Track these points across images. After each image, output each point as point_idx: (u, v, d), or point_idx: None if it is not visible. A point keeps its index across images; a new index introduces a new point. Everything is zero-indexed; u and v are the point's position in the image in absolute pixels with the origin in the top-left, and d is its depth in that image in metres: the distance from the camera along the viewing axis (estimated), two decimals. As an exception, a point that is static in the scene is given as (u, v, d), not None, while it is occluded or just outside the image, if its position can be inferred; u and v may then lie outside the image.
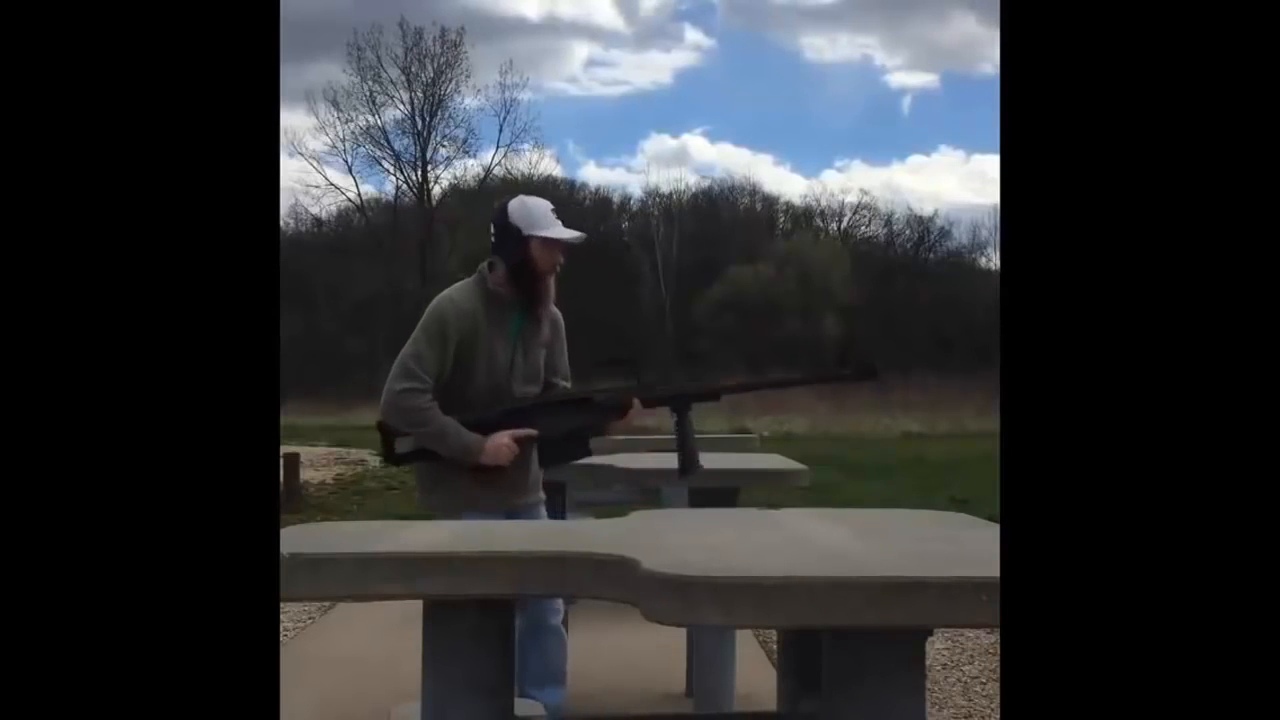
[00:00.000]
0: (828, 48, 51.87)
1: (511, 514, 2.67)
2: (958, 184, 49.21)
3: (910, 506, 2.28)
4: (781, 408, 20.49)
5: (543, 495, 2.87)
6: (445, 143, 34.16)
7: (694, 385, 2.79)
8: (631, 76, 55.16)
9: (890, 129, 50.68)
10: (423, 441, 2.63)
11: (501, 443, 2.62)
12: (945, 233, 37.22)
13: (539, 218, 2.70)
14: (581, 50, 55.63)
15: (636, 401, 2.63)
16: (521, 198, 2.77)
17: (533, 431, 2.65)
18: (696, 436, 2.75)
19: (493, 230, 2.74)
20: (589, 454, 2.79)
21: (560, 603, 2.73)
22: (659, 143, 54.58)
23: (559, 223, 2.73)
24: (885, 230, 37.58)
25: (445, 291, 2.72)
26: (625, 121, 51.46)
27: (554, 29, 48.77)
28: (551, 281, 2.75)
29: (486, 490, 2.66)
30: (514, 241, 2.69)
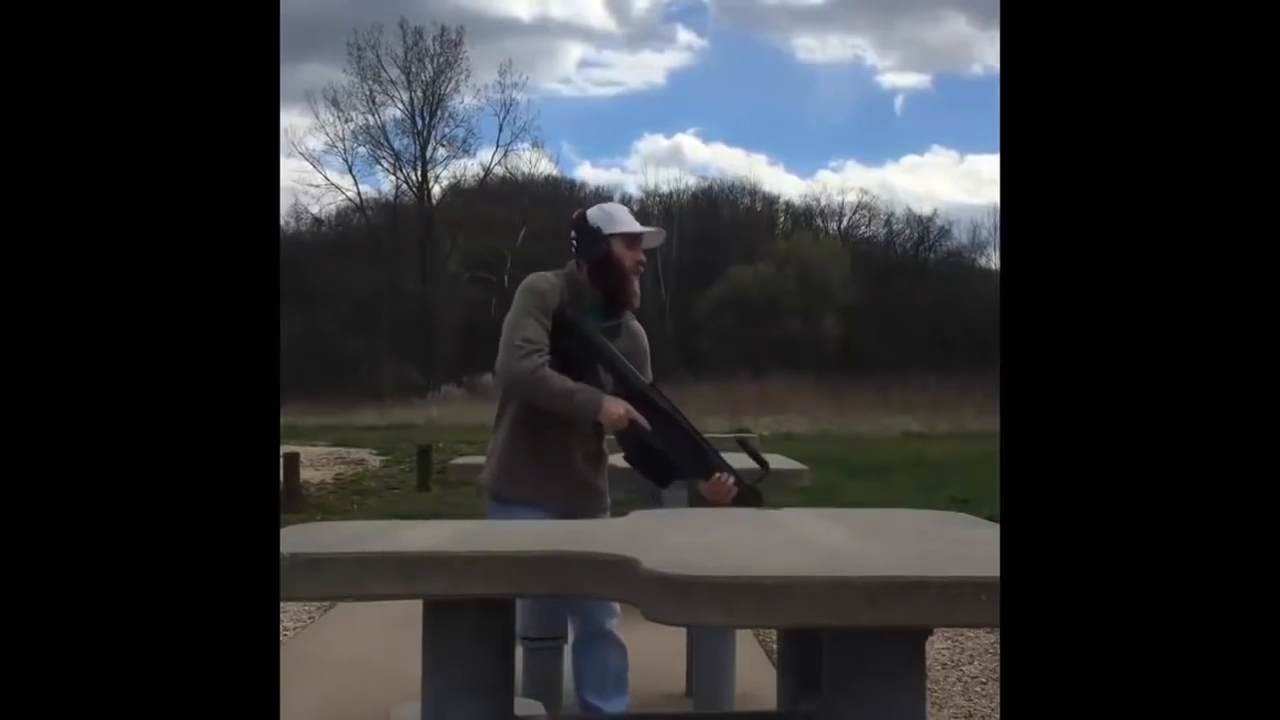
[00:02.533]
0: (819, 48, 51.98)
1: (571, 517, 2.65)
2: (951, 184, 49.27)
3: (910, 506, 2.28)
4: (781, 407, 20.50)
5: (608, 502, 2.86)
6: (444, 142, 34.20)
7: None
8: (624, 77, 55.25)
9: (883, 129, 50.74)
10: (548, 404, 2.61)
11: (619, 410, 2.59)
12: (945, 232, 37.25)
13: (619, 218, 2.78)
14: (574, 51, 55.71)
15: (735, 489, 2.60)
16: (601, 204, 2.86)
17: (644, 423, 2.60)
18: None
19: (573, 235, 2.80)
20: (663, 486, 2.80)
21: (617, 607, 2.70)
22: (652, 143, 54.69)
23: (637, 223, 2.80)
24: (885, 230, 37.61)
25: (535, 273, 2.77)
26: (619, 122, 51.54)
27: (546, 30, 48.86)
28: (635, 285, 2.79)
29: (551, 492, 2.67)
30: (596, 242, 2.74)
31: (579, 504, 2.70)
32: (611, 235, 2.73)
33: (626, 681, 2.76)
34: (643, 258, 2.80)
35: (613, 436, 2.71)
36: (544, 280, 2.71)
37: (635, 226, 2.77)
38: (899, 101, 51.88)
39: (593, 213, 2.80)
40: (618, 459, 2.75)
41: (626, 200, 37.09)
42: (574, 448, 2.73)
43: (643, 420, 2.60)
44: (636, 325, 2.85)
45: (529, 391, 2.62)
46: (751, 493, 2.59)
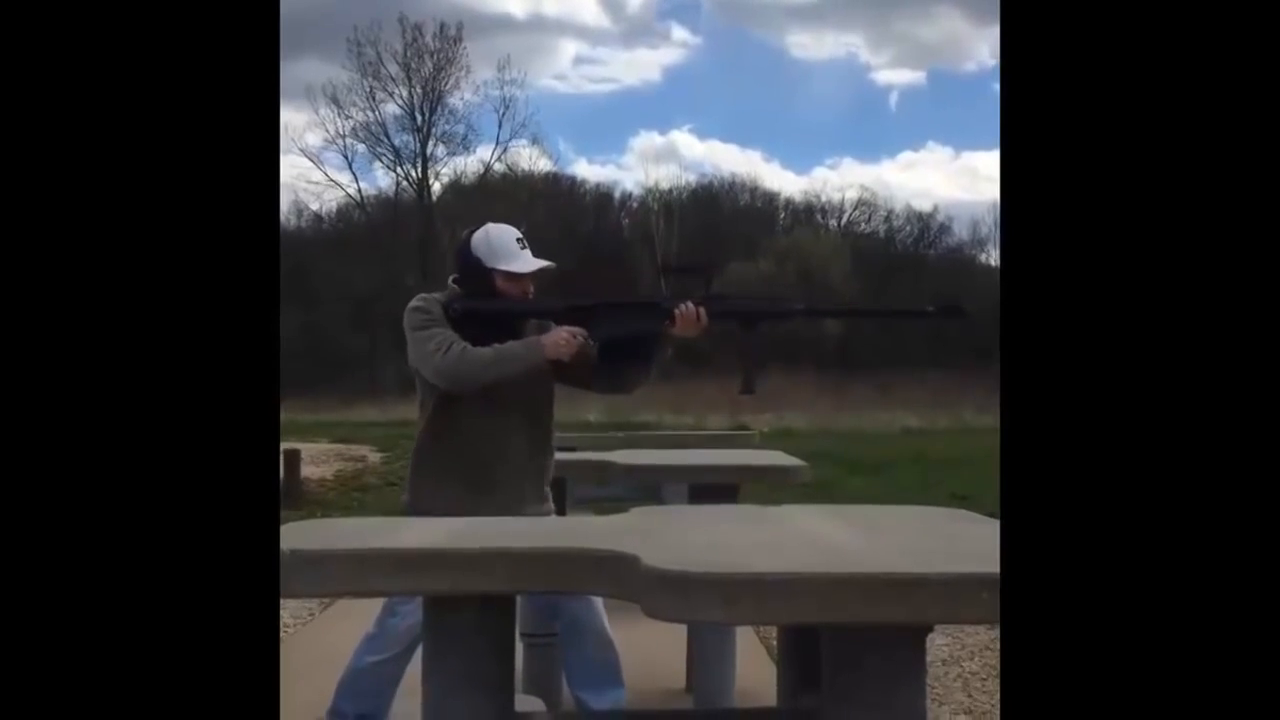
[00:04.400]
0: (813, 45, 51.90)
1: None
2: (947, 180, 49.22)
3: (910, 503, 2.28)
4: (781, 404, 20.48)
5: (551, 506, 2.73)
6: (444, 139, 34.19)
7: (765, 301, 2.62)
8: (620, 74, 55.24)
9: (878, 126, 50.66)
10: (493, 375, 2.50)
11: (561, 336, 2.50)
12: (945, 229, 37.24)
13: (501, 249, 2.60)
14: (569, 48, 55.66)
15: (701, 310, 2.47)
16: (486, 228, 2.66)
17: (584, 332, 2.51)
18: (697, 433, 2.72)
19: (458, 262, 2.65)
20: (649, 364, 2.60)
21: (599, 601, 2.62)
22: (647, 139, 54.65)
23: (526, 252, 2.62)
24: (885, 226, 37.60)
25: (415, 298, 2.64)
26: (614, 118, 51.47)
27: (540, 27, 48.84)
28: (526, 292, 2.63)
29: (485, 498, 2.52)
30: (478, 275, 2.60)
31: (519, 508, 2.55)
32: (493, 270, 2.58)
33: (618, 672, 2.70)
34: (529, 288, 2.62)
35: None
36: (423, 299, 2.59)
37: (518, 264, 2.58)
38: (893, 98, 51.85)
39: (477, 238, 2.62)
40: (618, 455, 2.74)
41: (626, 199, 37.04)
42: (494, 449, 2.60)
43: (582, 331, 2.50)
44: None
45: (469, 373, 2.49)
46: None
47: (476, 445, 2.59)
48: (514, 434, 2.62)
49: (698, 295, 2.52)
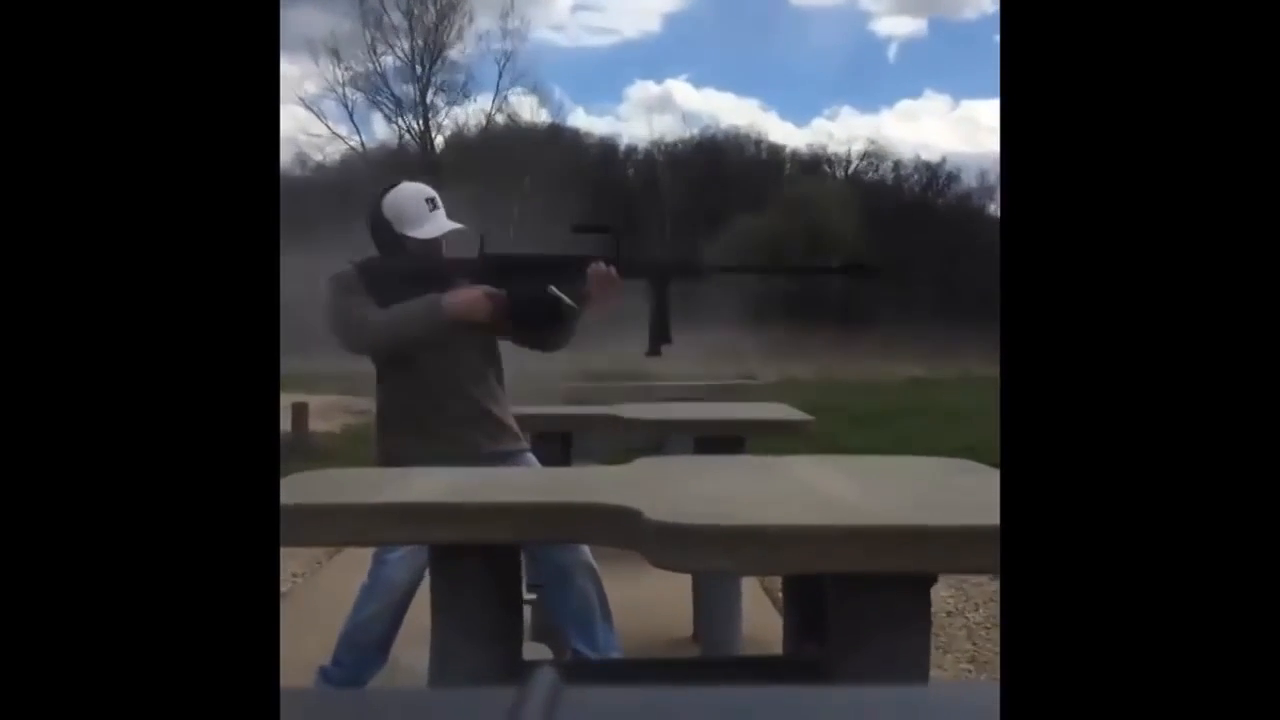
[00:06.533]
0: (812, -8, 51.17)
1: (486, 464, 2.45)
2: (947, 130, 48.73)
3: (916, 453, 2.28)
4: (787, 356, 20.49)
5: (524, 444, 2.69)
6: (444, 88, 33.94)
7: (675, 258, 2.57)
8: (618, 23, 54.58)
9: (877, 75, 50.06)
10: (395, 335, 2.42)
11: (471, 294, 2.40)
12: (953, 178, 37.00)
13: (410, 213, 2.50)
14: (568, -5, 54.92)
15: (612, 269, 2.37)
16: (396, 191, 2.54)
17: (499, 291, 2.41)
18: (701, 384, 2.71)
19: (369, 226, 2.56)
20: (560, 320, 2.49)
21: (584, 547, 2.56)
22: (643, 89, 54.15)
23: (438, 213, 2.52)
24: (893, 176, 37.35)
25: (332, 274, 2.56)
26: (610, 67, 50.97)
27: (538, -26, 48.19)
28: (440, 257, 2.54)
29: (444, 445, 2.47)
30: (389, 241, 2.52)
31: (487, 446, 2.54)
32: (402, 236, 2.50)
33: (608, 615, 2.61)
34: (441, 251, 2.52)
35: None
36: (347, 265, 2.51)
37: (426, 228, 2.49)
38: (893, 48, 51.25)
39: (386, 203, 2.53)
40: (624, 409, 2.73)
41: (633, 149, 36.75)
42: (446, 396, 2.55)
43: (497, 290, 2.40)
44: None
45: (369, 340, 2.44)
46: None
47: (428, 395, 2.55)
48: (464, 380, 2.57)
49: (609, 257, 2.41)
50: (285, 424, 9.63)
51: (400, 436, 2.58)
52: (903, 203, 35.77)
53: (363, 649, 2.66)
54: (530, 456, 2.70)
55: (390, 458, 2.54)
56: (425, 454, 2.40)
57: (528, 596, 2.62)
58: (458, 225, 2.55)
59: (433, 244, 2.53)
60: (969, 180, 36.53)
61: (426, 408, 2.56)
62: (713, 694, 0.43)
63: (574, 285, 2.41)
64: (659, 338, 2.44)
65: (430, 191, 2.57)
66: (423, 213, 2.52)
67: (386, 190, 2.58)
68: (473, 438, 2.59)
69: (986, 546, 1.26)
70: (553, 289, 2.40)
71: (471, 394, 2.60)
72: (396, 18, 33.59)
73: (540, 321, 2.48)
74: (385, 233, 2.52)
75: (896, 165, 37.01)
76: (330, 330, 2.48)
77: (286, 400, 8.47)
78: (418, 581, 2.56)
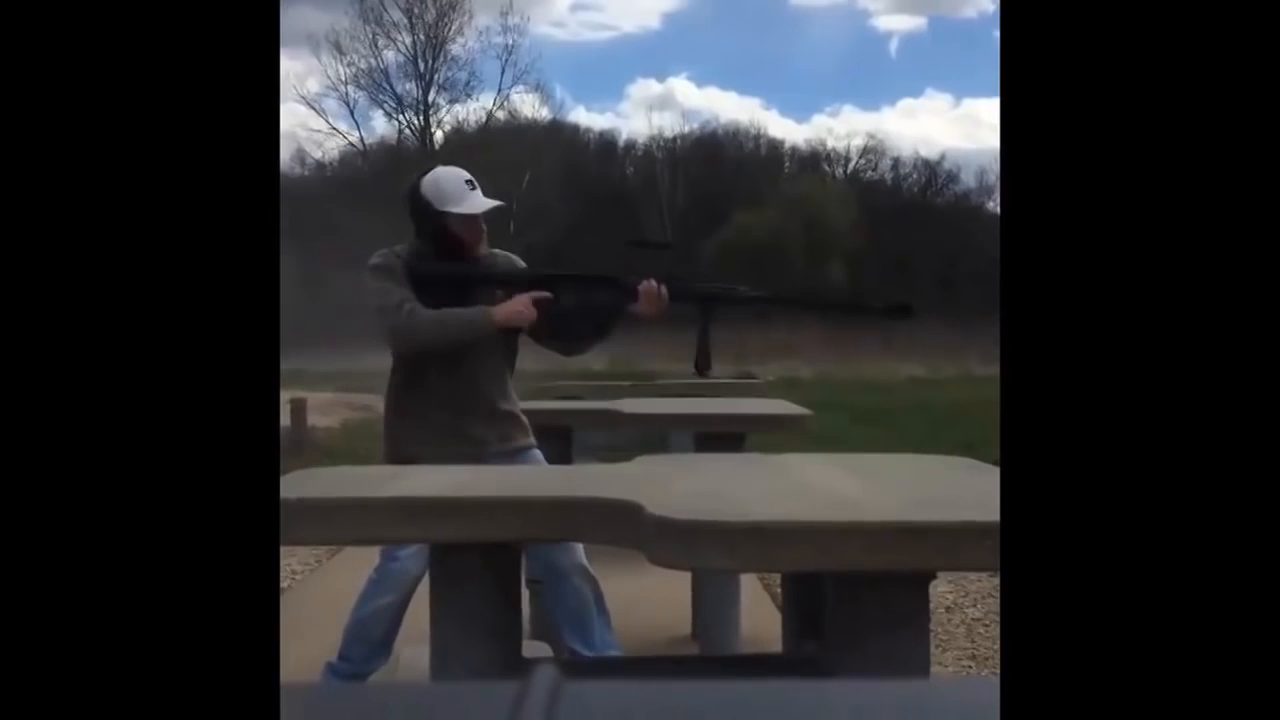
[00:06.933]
0: (813, -10, 51.13)
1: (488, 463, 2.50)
2: (948, 127, 48.71)
3: (915, 451, 2.28)
4: (787, 353, 20.49)
5: (532, 440, 2.73)
6: (446, 86, 33.92)
7: (724, 287, 2.61)
8: (618, 21, 54.57)
9: (878, 73, 50.03)
10: (440, 338, 2.49)
11: (516, 306, 2.48)
12: (952, 176, 36.97)
13: (451, 192, 2.57)
14: (568, -9, 54.93)
15: (664, 289, 2.43)
16: (435, 172, 2.62)
17: (548, 295, 2.48)
18: (701, 383, 2.72)
19: (409, 208, 2.62)
20: (601, 334, 2.56)
21: (579, 546, 2.60)
22: (645, 87, 54.23)
23: (476, 193, 2.59)
24: (892, 174, 37.33)
25: (376, 254, 2.62)
26: (612, 65, 50.98)
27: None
28: (479, 243, 2.62)
29: (456, 444, 2.52)
30: (429, 220, 2.57)
31: (492, 445, 2.58)
32: (444, 213, 2.55)
33: (604, 613, 2.64)
34: (482, 229, 2.60)
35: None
36: (383, 256, 2.57)
37: (468, 204, 2.56)
38: (893, 45, 51.23)
39: (425, 183, 2.59)
40: (624, 404, 2.73)
41: (630, 147, 36.74)
42: (462, 395, 2.59)
43: (544, 293, 2.47)
44: (500, 253, 2.71)
45: (414, 335, 2.49)
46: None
47: (445, 393, 2.59)
48: (482, 380, 2.62)
49: (660, 274, 2.48)
50: (284, 420, 9.63)
51: (412, 433, 2.60)
52: (902, 200, 35.76)
53: (371, 643, 2.67)
54: (537, 453, 2.73)
55: (401, 455, 2.56)
56: (437, 452, 2.44)
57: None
58: (498, 202, 2.64)
59: (472, 221, 2.58)
60: (968, 179, 36.53)
61: (442, 406, 2.59)
62: (713, 689, 0.44)
63: (619, 302, 2.48)
64: (705, 358, 2.52)
65: (467, 174, 2.64)
66: (463, 191, 2.58)
67: (422, 174, 2.65)
68: (485, 436, 2.63)
69: (986, 543, 1.26)
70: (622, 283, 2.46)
71: (488, 393, 2.64)
72: (396, 15, 33.59)
73: (582, 332, 2.56)
74: (425, 210, 2.58)
75: (895, 163, 37.00)
76: (374, 316, 2.52)
77: (284, 396, 8.47)
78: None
